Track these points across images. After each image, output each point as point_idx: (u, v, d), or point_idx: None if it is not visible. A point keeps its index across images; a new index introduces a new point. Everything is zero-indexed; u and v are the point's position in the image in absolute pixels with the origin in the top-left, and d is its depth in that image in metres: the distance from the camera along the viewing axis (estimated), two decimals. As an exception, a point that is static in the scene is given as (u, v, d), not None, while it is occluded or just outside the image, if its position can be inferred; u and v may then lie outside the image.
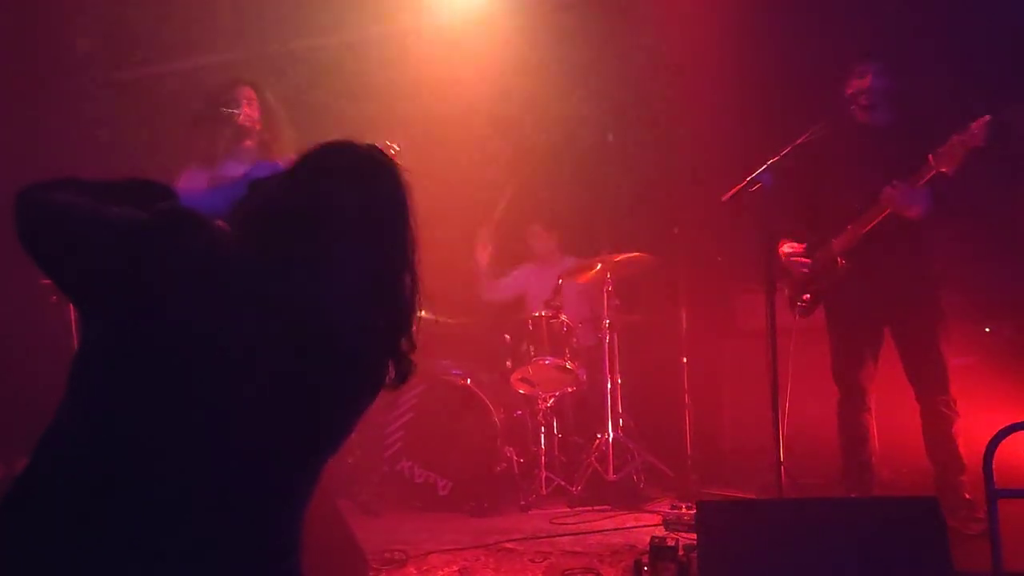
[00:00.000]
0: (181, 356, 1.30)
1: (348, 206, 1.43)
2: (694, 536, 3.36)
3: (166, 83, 5.01)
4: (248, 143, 3.55)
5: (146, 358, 1.29)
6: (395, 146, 3.26)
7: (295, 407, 1.36)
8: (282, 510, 1.41)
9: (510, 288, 5.56)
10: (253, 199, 1.50)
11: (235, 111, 3.51)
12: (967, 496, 3.57)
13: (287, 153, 3.58)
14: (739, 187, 3.70)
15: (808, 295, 3.93)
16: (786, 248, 3.87)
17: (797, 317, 3.95)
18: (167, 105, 4.73)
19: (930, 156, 3.45)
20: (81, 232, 1.33)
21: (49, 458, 1.30)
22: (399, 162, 1.54)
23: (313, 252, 1.38)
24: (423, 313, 1.57)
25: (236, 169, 3.51)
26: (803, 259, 3.85)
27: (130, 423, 1.28)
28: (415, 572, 3.40)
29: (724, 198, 3.78)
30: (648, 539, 3.39)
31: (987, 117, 3.36)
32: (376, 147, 1.52)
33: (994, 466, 2.55)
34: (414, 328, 1.53)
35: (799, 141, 3.65)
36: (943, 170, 3.43)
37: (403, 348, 1.52)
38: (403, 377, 1.53)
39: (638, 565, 3.20)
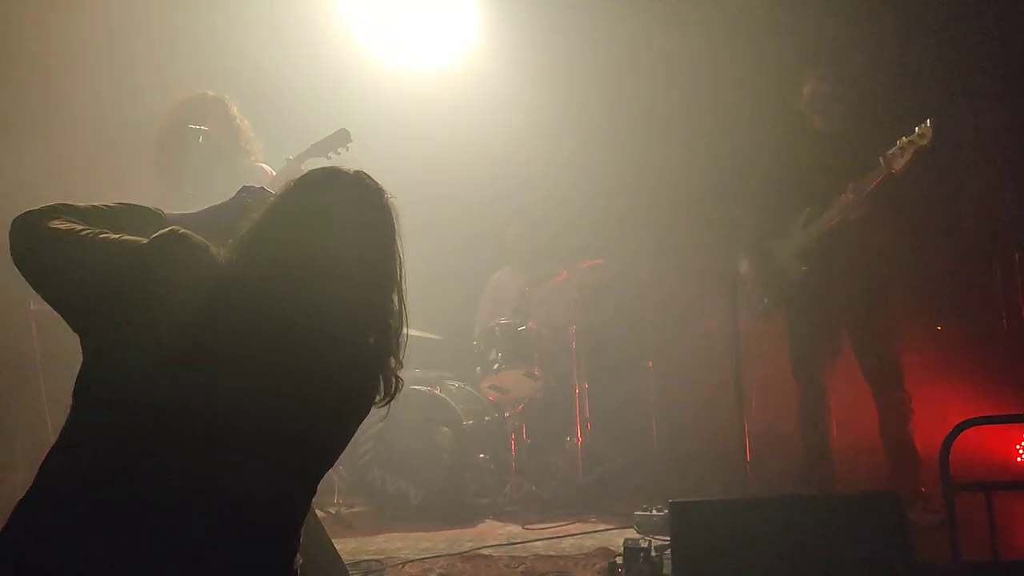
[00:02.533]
0: (179, 374, 1.33)
1: (339, 229, 1.48)
2: (665, 537, 3.47)
3: (128, 100, 4.96)
4: (216, 161, 3.54)
5: (145, 375, 1.33)
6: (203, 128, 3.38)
7: (289, 423, 1.40)
8: (279, 523, 1.45)
9: (487, 306, 5.64)
10: (244, 222, 1.53)
11: (202, 128, 3.51)
12: (923, 489, 3.70)
13: (256, 167, 3.62)
14: (703, 196, 3.80)
15: (767, 299, 4.06)
16: (744, 266, 4.03)
17: (758, 320, 4.08)
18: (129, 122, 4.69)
19: (880, 158, 3.59)
20: (80, 257, 1.36)
21: (55, 472, 1.33)
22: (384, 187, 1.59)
23: (306, 273, 1.43)
24: (410, 331, 1.62)
25: (206, 186, 3.52)
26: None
27: (130, 436, 1.32)
28: (393, 582, 3.43)
29: (688, 207, 3.88)
30: (619, 541, 3.47)
31: (932, 119, 3.51)
32: (364, 172, 1.57)
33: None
34: (401, 346, 1.59)
35: (757, 150, 3.77)
36: (893, 171, 3.57)
37: (391, 365, 1.57)
38: (392, 394, 1.59)
39: (612, 567, 3.27)
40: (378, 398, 1.57)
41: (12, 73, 4.82)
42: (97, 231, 1.40)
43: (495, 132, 5.34)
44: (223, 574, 1.35)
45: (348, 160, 3.52)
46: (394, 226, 1.55)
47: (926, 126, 3.49)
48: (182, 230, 1.42)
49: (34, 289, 1.40)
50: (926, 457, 3.69)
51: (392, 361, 1.57)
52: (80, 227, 1.41)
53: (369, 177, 1.56)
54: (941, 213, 4.86)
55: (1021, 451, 4.29)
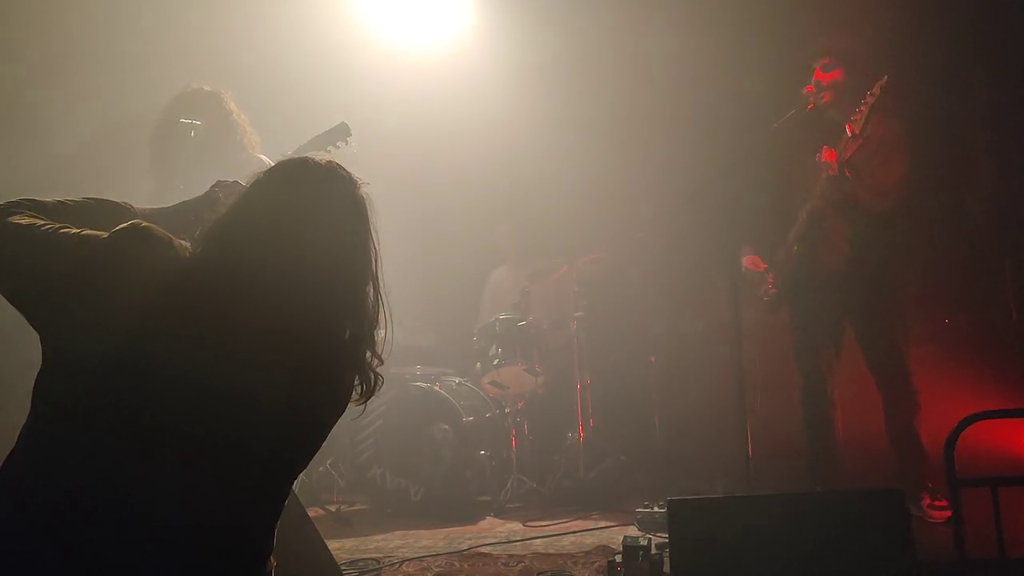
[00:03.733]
0: (143, 370, 1.29)
1: (308, 220, 1.43)
2: (666, 534, 3.41)
3: (117, 93, 4.93)
4: (210, 154, 3.51)
5: (107, 372, 1.28)
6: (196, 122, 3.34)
7: (257, 421, 1.36)
8: (252, 521, 1.40)
9: (486, 305, 5.61)
10: (214, 215, 1.49)
11: (195, 122, 3.47)
12: (930, 485, 3.64)
13: (250, 161, 3.58)
14: (703, 188, 3.74)
15: (773, 290, 4.01)
16: (747, 265, 3.98)
17: (764, 312, 4.03)
18: (121, 115, 4.67)
19: (848, 125, 3.58)
20: (39, 252, 1.32)
21: (14, 476, 1.28)
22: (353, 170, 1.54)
23: (276, 265, 1.38)
24: (387, 329, 1.56)
25: (197, 180, 3.48)
26: (763, 265, 3.94)
27: (94, 435, 1.28)
28: (389, 580, 3.39)
29: (688, 199, 3.82)
30: (620, 539, 3.42)
31: (885, 77, 3.49)
32: (335, 163, 1.53)
33: (954, 454, 2.61)
34: (378, 340, 1.54)
35: (760, 140, 3.71)
36: (856, 132, 3.55)
37: (368, 361, 1.52)
38: (370, 391, 1.54)
39: (611, 566, 3.22)
40: (355, 395, 1.52)
41: (13, 70, 4.81)
42: (59, 226, 1.36)
43: (494, 127, 5.30)
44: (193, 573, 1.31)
45: (347, 153, 3.48)
46: (367, 217, 1.51)
47: (879, 84, 3.48)
48: (144, 223, 1.37)
49: None
50: (933, 452, 3.63)
51: (369, 356, 1.52)
52: (41, 222, 1.37)
53: (341, 167, 1.52)
54: (949, 205, 4.79)
55: (1029, 446, 4.22)
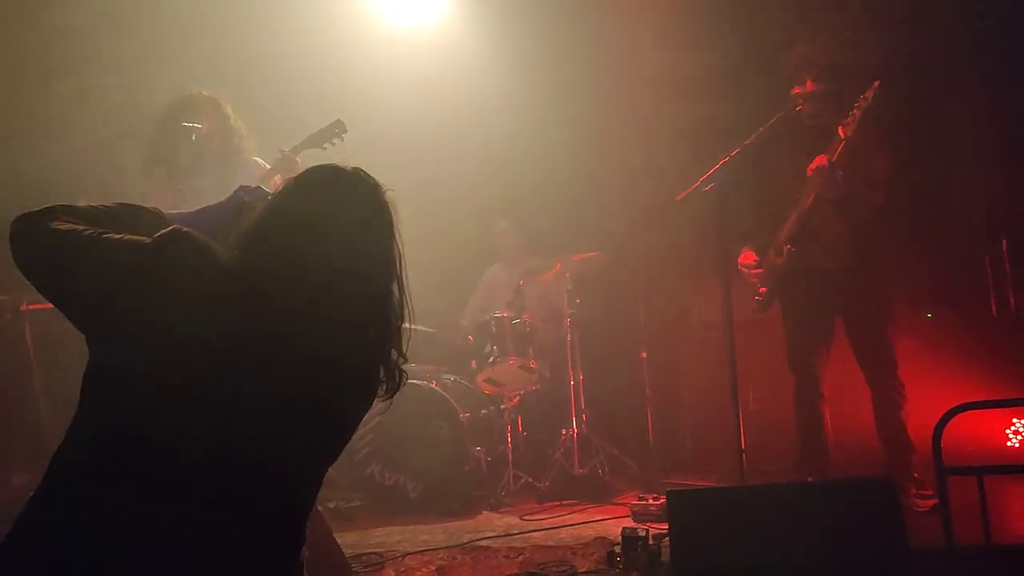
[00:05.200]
0: (186, 368, 1.35)
1: (340, 224, 1.50)
2: (661, 526, 3.50)
3: (112, 95, 4.95)
4: (210, 158, 3.56)
5: (153, 371, 1.34)
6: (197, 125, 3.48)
7: (293, 416, 1.42)
8: (285, 516, 1.47)
9: (479, 302, 5.68)
10: (245, 220, 1.55)
11: (196, 125, 3.52)
12: (916, 475, 3.75)
13: (247, 164, 3.62)
14: (693, 187, 3.81)
15: (764, 289, 4.09)
16: (741, 261, 4.06)
17: (755, 312, 4.11)
18: (115, 117, 4.69)
19: (840, 127, 3.68)
20: (84, 258, 1.37)
21: (65, 466, 1.34)
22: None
23: (308, 269, 1.45)
24: (411, 325, 1.63)
25: (199, 182, 3.53)
26: (756, 269, 4.04)
27: (138, 431, 1.34)
28: (393, 574, 3.45)
29: (678, 198, 3.90)
30: (617, 530, 3.51)
31: (878, 82, 3.60)
32: (361, 169, 1.59)
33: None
34: (403, 338, 1.61)
35: (748, 141, 3.79)
36: (846, 136, 3.66)
37: (394, 358, 1.59)
38: (395, 386, 1.61)
39: (611, 555, 3.31)
40: (381, 390, 1.59)
41: (28, 70, 4.82)
42: (100, 231, 1.41)
43: (487, 126, 5.36)
44: (230, 566, 1.37)
45: (342, 150, 3.54)
46: (392, 221, 1.57)
47: (872, 88, 3.58)
48: (184, 228, 1.43)
49: (38, 290, 1.41)
50: (918, 443, 3.74)
51: (394, 353, 1.59)
52: (82, 227, 1.42)
53: (366, 174, 1.58)
54: (931, 199, 4.89)
55: (1011, 436, 4.34)
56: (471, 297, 5.82)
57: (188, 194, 3.40)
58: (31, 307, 4.47)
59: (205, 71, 4.42)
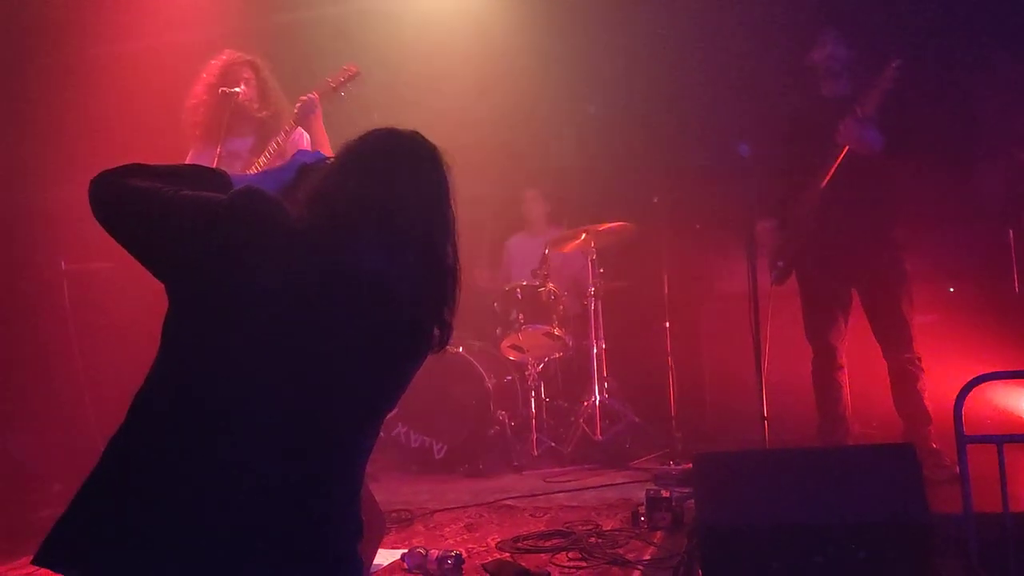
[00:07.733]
0: (259, 318, 1.44)
1: (402, 186, 1.57)
2: (683, 489, 3.60)
3: (143, 60, 5.02)
4: (248, 121, 3.62)
5: (228, 320, 1.43)
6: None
7: (358, 366, 1.51)
8: (347, 461, 1.56)
9: (504, 267, 5.76)
10: (308, 182, 1.63)
11: (235, 90, 3.57)
12: (934, 445, 3.80)
13: (293, 130, 3.68)
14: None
15: (782, 262, 4.13)
16: (760, 226, 4.09)
17: (772, 284, 4.16)
18: (149, 82, 4.76)
19: (856, 106, 3.71)
20: (166, 213, 1.46)
21: (143, 412, 1.44)
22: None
23: (374, 227, 1.52)
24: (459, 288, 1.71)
25: (238, 146, 3.60)
26: (771, 239, 4.09)
27: (212, 376, 1.43)
28: (423, 529, 3.56)
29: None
30: (639, 494, 3.62)
31: (897, 61, 3.61)
32: (418, 133, 1.66)
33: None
34: (455, 299, 1.69)
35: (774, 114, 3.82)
36: (866, 113, 3.69)
37: (446, 316, 1.68)
38: (445, 342, 1.70)
39: (635, 515, 3.41)
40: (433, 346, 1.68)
41: (69, 33, 4.90)
42: (176, 188, 1.49)
43: (514, 98, 5.39)
44: (299, 506, 1.45)
45: (352, 93, 3.65)
46: (449, 183, 1.65)
47: (891, 68, 3.60)
48: (257, 187, 1.51)
49: (121, 244, 1.49)
50: (937, 416, 3.80)
51: (446, 311, 1.67)
52: (160, 184, 1.50)
53: (424, 137, 1.65)
54: (955, 175, 4.90)
55: (1030, 408, 4.39)
56: (496, 266, 5.89)
57: (226, 157, 3.47)
58: (70, 267, 4.58)
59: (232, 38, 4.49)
